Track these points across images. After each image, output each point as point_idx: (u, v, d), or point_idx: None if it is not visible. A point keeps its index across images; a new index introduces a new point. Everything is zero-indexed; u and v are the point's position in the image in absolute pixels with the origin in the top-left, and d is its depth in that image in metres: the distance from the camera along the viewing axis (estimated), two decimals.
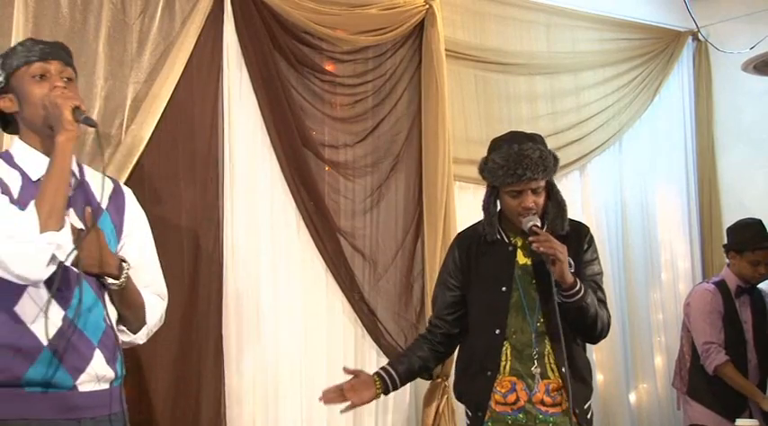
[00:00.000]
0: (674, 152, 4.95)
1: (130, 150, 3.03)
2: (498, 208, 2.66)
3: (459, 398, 2.71)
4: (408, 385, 3.72)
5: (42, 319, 1.88)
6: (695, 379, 3.77)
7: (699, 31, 4.89)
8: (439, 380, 3.69)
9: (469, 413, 2.61)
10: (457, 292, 2.66)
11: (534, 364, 2.51)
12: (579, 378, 2.58)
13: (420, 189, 3.82)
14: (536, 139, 2.54)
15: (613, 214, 4.63)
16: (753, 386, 3.62)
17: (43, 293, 1.91)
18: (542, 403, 2.51)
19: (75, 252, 1.88)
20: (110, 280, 2.02)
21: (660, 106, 4.90)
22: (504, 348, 2.53)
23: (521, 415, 2.51)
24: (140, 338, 2.16)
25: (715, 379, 3.66)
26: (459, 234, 2.83)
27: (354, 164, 3.68)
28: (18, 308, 1.89)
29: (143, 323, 2.13)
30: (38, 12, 2.94)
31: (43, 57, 2.01)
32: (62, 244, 1.85)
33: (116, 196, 2.16)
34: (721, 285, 3.78)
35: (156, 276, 2.21)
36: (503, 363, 2.53)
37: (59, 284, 1.90)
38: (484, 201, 2.64)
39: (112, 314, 2.06)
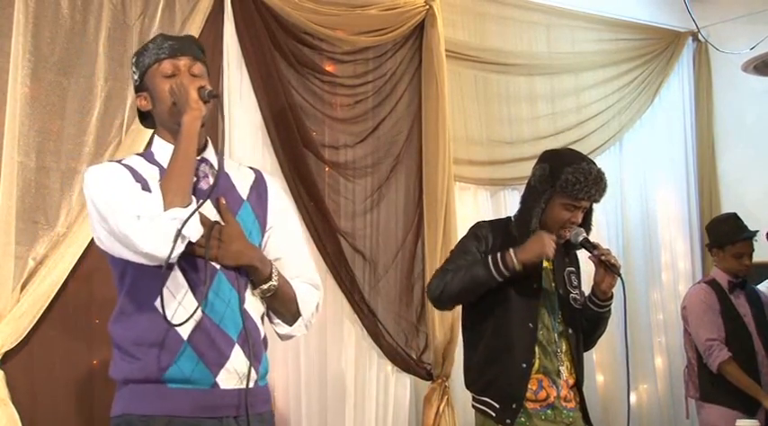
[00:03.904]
0: (674, 152, 4.94)
1: (130, 151, 3.02)
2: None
3: (481, 391, 2.69)
4: (408, 385, 3.75)
5: (182, 314, 1.85)
6: (706, 382, 3.72)
7: (699, 31, 4.89)
8: (439, 380, 3.69)
9: (497, 405, 2.62)
10: None
11: (559, 361, 2.65)
12: (582, 377, 2.74)
13: (420, 189, 3.82)
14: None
15: (613, 214, 4.63)
16: (755, 385, 3.59)
17: (182, 287, 1.88)
18: (565, 399, 2.66)
19: (207, 231, 1.86)
20: (263, 286, 1.97)
21: (660, 106, 4.90)
22: (535, 343, 2.63)
23: (549, 411, 2.63)
24: (298, 330, 2.10)
25: (725, 377, 3.62)
26: (488, 222, 2.83)
27: (354, 165, 3.68)
28: (158, 303, 1.85)
29: (297, 314, 2.07)
30: (38, 12, 2.95)
31: (172, 54, 1.98)
32: (187, 220, 1.80)
33: (258, 186, 2.11)
34: (713, 283, 3.78)
35: (307, 266, 2.15)
36: (534, 358, 2.62)
37: (196, 278, 1.89)
38: (532, 206, 2.66)
39: (256, 308, 2.00)
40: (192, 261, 1.89)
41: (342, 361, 3.60)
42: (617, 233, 4.63)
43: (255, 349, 1.95)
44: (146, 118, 2.10)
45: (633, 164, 4.76)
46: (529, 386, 2.60)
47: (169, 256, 1.78)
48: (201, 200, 1.87)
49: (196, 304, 1.87)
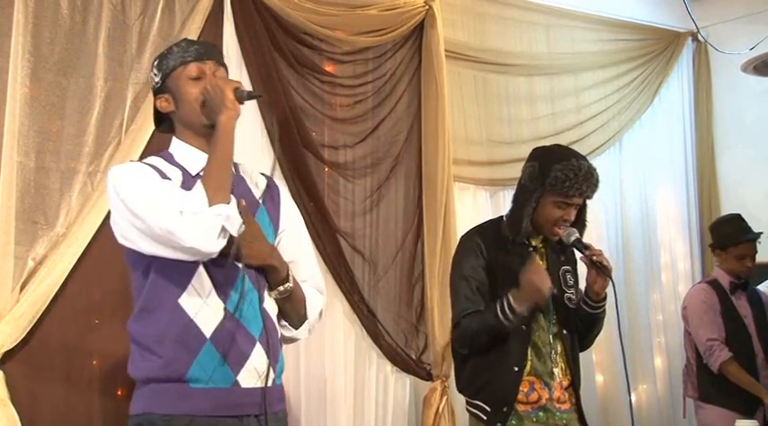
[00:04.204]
0: (673, 153, 4.94)
1: (130, 151, 3.04)
2: None
3: (473, 395, 2.67)
4: (408, 385, 3.75)
5: (205, 311, 1.89)
6: (705, 382, 3.72)
7: (698, 31, 4.89)
8: (439, 381, 3.69)
9: (488, 409, 2.60)
10: (485, 283, 2.64)
11: (553, 363, 2.61)
12: (578, 377, 2.71)
13: (420, 190, 3.83)
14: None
15: (613, 215, 4.63)
16: (757, 384, 3.59)
17: (206, 285, 1.91)
18: (558, 400, 2.62)
19: (242, 231, 1.88)
20: (280, 288, 2.02)
21: (660, 107, 4.91)
22: (528, 345, 2.60)
23: (541, 413, 2.60)
24: (302, 333, 2.15)
25: (725, 378, 3.61)
26: (476, 229, 2.79)
27: (354, 165, 3.68)
28: (182, 300, 1.89)
29: (304, 318, 2.13)
30: (38, 12, 2.95)
31: (199, 58, 2.03)
32: (231, 216, 1.84)
33: (270, 191, 2.16)
34: (714, 283, 3.78)
35: (314, 270, 2.22)
36: (526, 361, 2.60)
37: (219, 277, 1.92)
38: (523, 204, 2.63)
39: (273, 308, 2.04)
40: (215, 259, 1.90)
41: (341, 361, 3.60)
42: (616, 233, 4.63)
43: (274, 348, 1.99)
44: (162, 120, 2.12)
45: (633, 164, 4.76)
46: (520, 389, 2.57)
47: (214, 252, 1.83)
48: (241, 200, 1.92)
49: (221, 303, 1.91)
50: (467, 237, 2.76)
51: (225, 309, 1.91)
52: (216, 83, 1.97)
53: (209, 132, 1.97)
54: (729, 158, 4.96)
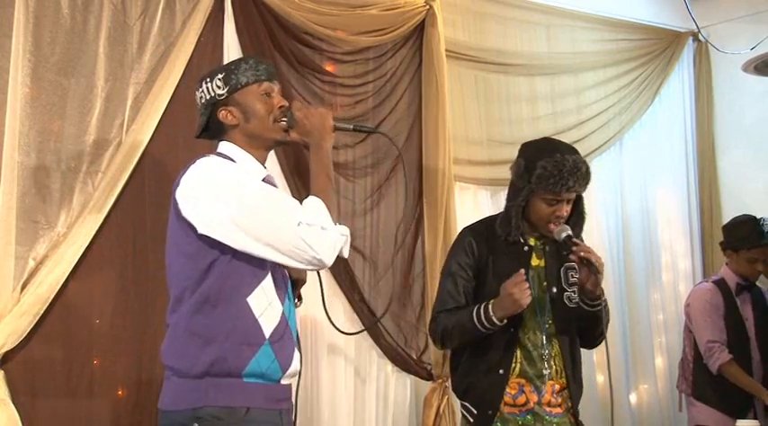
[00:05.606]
0: (674, 152, 4.94)
1: (131, 151, 3.04)
2: None
3: (462, 396, 2.67)
4: (408, 385, 3.75)
5: (269, 313, 2.01)
6: (699, 380, 3.74)
7: (699, 31, 4.88)
8: (440, 381, 3.69)
9: (475, 411, 2.59)
10: (471, 283, 2.64)
11: (545, 365, 2.57)
12: (578, 380, 2.66)
13: (420, 189, 3.82)
14: (578, 152, 2.60)
15: (613, 215, 4.62)
16: (758, 384, 3.60)
17: (271, 288, 2.03)
18: (549, 404, 2.57)
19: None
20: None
21: (660, 107, 4.90)
22: (516, 348, 2.57)
23: (529, 417, 2.56)
24: None
25: (719, 379, 3.63)
26: (471, 227, 2.77)
27: (354, 165, 3.68)
28: (250, 299, 1.99)
29: None
30: (38, 12, 2.95)
31: (269, 78, 2.16)
32: (349, 239, 2.03)
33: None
34: (721, 283, 3.77)
35: None
36: (513, 364, 2.56)
37: (279, 282, 2.06)
38: (512, 203, 2.60)
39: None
40: (275, 266, 2.03)
41: (341, 361, 3.60)
42: (617, 233, 4.62)
43: (300, 349, 2.14)
44: (209, 129, 2.17)
45: (633, 164, 4.76)
46: (508, 390, 2.54)
47: (329, 266, 1.99)
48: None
49: (280, 306, 2.05)
50: (460, 235, 2.75)
51: (282, 313, 2.04)
52: (321, 111, 2.13)
53: (273, 147, 2.18)
54: (730, 158, 4.95)
